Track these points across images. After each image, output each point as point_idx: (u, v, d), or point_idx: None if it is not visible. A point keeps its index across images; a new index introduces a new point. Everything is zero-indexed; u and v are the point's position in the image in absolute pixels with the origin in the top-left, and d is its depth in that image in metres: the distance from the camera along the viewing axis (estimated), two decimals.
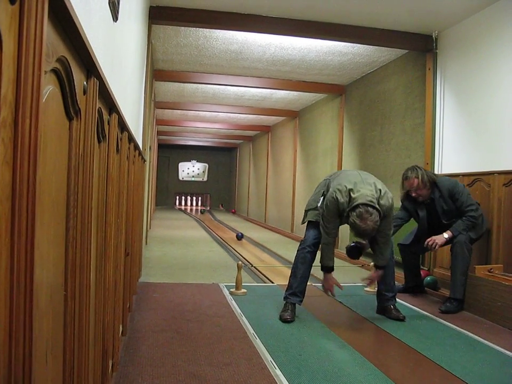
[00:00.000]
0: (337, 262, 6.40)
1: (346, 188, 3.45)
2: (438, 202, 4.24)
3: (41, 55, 0.71)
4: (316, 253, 3.82)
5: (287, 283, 3.85)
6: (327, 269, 3.66)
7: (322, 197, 3.74)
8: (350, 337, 3.30)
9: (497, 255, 4.21)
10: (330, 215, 3.53)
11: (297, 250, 3.85)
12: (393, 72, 6.35)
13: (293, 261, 3.87)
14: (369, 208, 3.29)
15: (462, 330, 3.54)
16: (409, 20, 4.99)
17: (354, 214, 3.31)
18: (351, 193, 3.41)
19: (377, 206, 3.34)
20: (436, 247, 4.16)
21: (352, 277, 5.60)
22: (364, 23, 5.13)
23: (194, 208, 22.06)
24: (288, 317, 3.59)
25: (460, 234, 4.06)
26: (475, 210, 4.09)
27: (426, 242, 4.18)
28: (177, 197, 22.44)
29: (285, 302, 3.76)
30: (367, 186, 3.44)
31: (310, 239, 3.78)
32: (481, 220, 4.16)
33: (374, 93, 6.89)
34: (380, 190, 3.47)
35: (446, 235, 4.13)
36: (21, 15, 0.67)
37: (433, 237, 4.16)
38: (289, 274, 3.86)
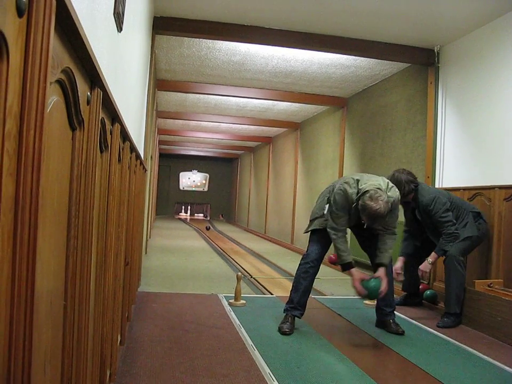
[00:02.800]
0: (337, 274, 6.41)
1: (353, 179, 3.47)
2: (417, 211, 4.33)
3: (47, 67, 0.72)
4: (318, 268, 3.81)
5: (286, 295, 3.85)
6: (348, 265, 3.54)
7: (327, 204, 3.72)
8: (349, 350, 3.29)
9: (498, 269, 4.20)
10: (339, 209, 3.49)
11: (299, 265, 3.82)
12: (395, 85, 6.38)
13: (292, 272, 3.87)
14: (379, 190, 3.28)
15: (461, 345, 3.53)
16: (412, 34, 5.02)
17: (366, 197, 3.26)
18: (359, 184, 3.41)
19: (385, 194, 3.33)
20: (427, 275, 4.30)
21: (352, 289, 5.58)
22: (366, 36, 5.16)
23: (195, 217, 22.04)
24: (287, 330, 3.57)
25: (451, 248, 4.10)
26: (451, 226, 4.09)
27: (419, 273, 4.28)
28: (178, 206, 22.44)
29: (285, 314, 3.75)
30: (374, 178, 3.48)
31: (313, 254, 3.76)
32: (482, 228, 4.20)
33: (376, 105, 6.91)
34: (388, 183, 3.49)
35: (430, 260, 4.21)
36: (28, 27, 0.67)
37: (420, 268, 4.24)
38: (291, 288, 3.83)
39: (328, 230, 3.58)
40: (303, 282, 3.74)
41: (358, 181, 3.46)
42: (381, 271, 3.53)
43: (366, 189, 3.31)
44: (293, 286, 3.82)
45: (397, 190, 3.53)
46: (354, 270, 3.51)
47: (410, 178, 4.21)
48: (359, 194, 3.36)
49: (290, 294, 3.80)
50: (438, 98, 5.28)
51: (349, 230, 3.81)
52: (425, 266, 4.22)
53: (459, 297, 4.04)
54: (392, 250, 3.64)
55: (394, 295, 4.02)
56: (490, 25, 4.53)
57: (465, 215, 4.23)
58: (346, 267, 3.57)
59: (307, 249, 3.84)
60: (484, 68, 4.61)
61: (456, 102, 5.02)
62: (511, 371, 3.00)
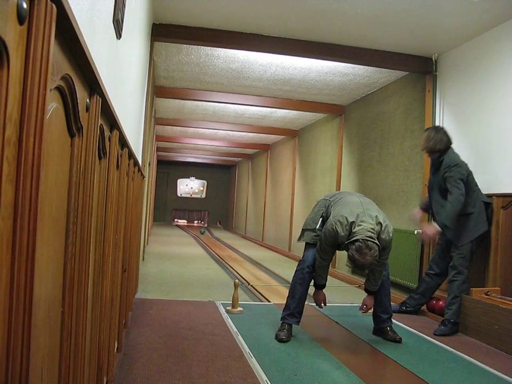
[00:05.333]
0: (334, 282, 6.39)
1: (347, 221, 3.41)
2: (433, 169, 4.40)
3: (47, 74, 0.72)
4: (312, 273, 3.81)
5: (284, 302, 3.83)
6: (320, 286, 3.81)
7: (321, 219, 3.76)
8: (346, 358, 3.28)
9: (495, 277, 4.20)
10: (328, 244, 3.54)
11: (296, 270, 3.82)
12: (393, 93, 6.39)
13: (290, 279, 3.86)
14: (368, 243, 3.27)
15: (458, 353, 3.53)
16: (410, 43, 5.04)
17: (354, 247, 3.29)
18: (352, 227, 3.39)
19: (376, 241, 3.32)
20: (427, 236, 4.34)
21: (348, 297, 5.58)
22: (364, 44, 5.18)
23: (193, 224, 22.02)
24: (284, 337, 3.57)
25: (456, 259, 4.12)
26: (460, 195, 4.10)
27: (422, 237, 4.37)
28: (176, 213, 22.42)
29: (281, 321, 3.74)
30: (369, 220, 3.40)
31: (309, 259, 3.75)
32: (479, 219, 4.20)
33: (374, 113, 6.93)
34: (381, 224, 3.44)
35: (435, 226, 4.28)
36: (28, 35, 0.68)
37: (426, 230, 4.30)
38: (287, 294, 3.83)
39: (316, 253, 3.66)
40: (300, 288, 3.74)
41: (352, 223, 3.40)
42: (367, 299, 3.81)
43: (356, 237, 3.30)
44: (289, 292, 3.81)
45: (390, 230, 3.49)
46: (322, 291, 3.83)
47: (444, 140, 4.29)
48: (350, 238, 3.36)
49: (287, 301, 3.79)
50: (435, 107, 5.29)
51: None
52: (431, 228, 4.26)
53: (456, 305, 4.07)
54: (382, 277, 3.74)
55: (392, 303, 4.02)
56: (488, 34, 4.55)
57: (475, 200, 4.22)
58: (318, 287, 3.83)
59: (303, 254, 3.84)
60: (482, 76, 4.62)
61: (453, 110, 5.04)
62: (509, 379, 3.00)
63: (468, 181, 4.21)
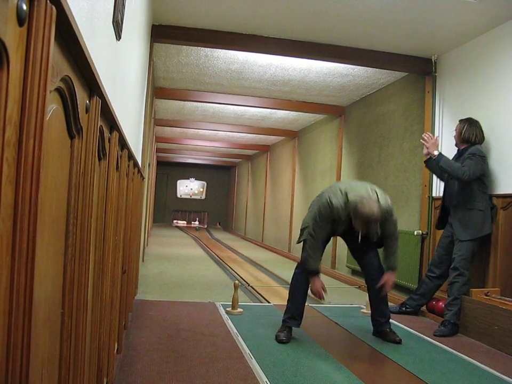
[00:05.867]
0: (334, 283, 6.39)
1: (341, 192, 3.47)
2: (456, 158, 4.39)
3: (47, 75, 0.72)
4: None
5: (284, 303, 3.83)
6: (314, 272, 3.61)
7: None
8: (346, 359, 3.28)
9: (494, 278, 4.20)
10: (322, 219, 3.52)
11: (294, 273, 3.81)
12: (393, 94, 6.40)
13: (290, 280, 3.85)
14: (367, 195, 3.36)
15: (458, 353, 3.52)
16: (409, 43, 5.04)
17: (354, 202, 3.35)
18: (347, 195, 3.43)
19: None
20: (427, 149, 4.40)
21: (349, 298, 5.58)
22: (364, 45, 5.18)
23: (192, 225, 22.02)
24: (284, 338, 3.56)
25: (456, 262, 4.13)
26: (468, 173, 4.09)
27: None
28: (175, 214, 22.42)
29: (282, 323, 3.74)
30: (363, 189, 3.47)
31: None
32: (486, 219, 4.19)
33: (373, 114, 6.93)
34: (376, 192, 3.48)
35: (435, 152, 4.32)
36: (28, 36, 0.68)
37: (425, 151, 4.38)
38: (287, 297, 3.81)
39: (307, 234, 3.60)
40: (299, 291, 3.73)
41: (346, 193, 3.45)
42: (387, 275, 3.66)
43: (354, 199, 3.35)
44: (289, 295, 3.80)
45: (388, 197, 3.54)
46: (318, 278, 3.62)
47: (480, 134, 4.31)
48: (347, 205, 3.40)
49: (288, 303, 3.79)
50: (435, 107, 5.29)
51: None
52: (433, 147, 4.32)
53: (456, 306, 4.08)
54: (398, 250, 3.71)
55: (392, 304, 4.03)
56: (488, 34, 4.56)
57: (484, 199, 4.21)
58: (311, 273, 3.62)
59: (301, 257, 3.79)
60: (481, 77, 4.63)
61: (453, 111, 5.04)
62: (508, 380, 3.00)
63: (484, 177, 4.24)
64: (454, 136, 4.48)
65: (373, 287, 3.75)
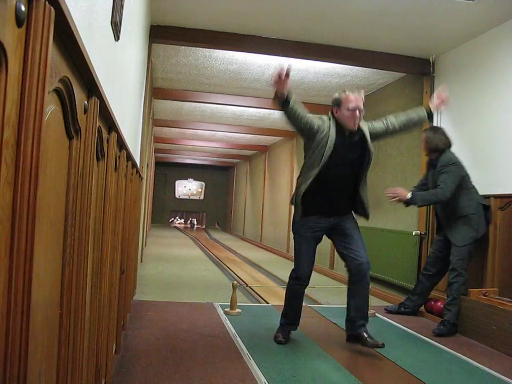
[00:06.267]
0: (332, 284, 6.39)
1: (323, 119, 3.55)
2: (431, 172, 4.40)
3: (45, 76, 0.72)
4: (308, 283, 3.66)
5: (282, 303, 3.80)
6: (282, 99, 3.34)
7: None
8: (344, 359, 3.29)
9: (493, 278, 4.20)
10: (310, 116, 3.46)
11: (290, 278, 3.66)
12: (391, 94, 6.40)
13: (287, 280, 3.82)
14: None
15: (457, 354, 3.53)
16: (407, 44, 5.04)
17: (336, 94, 3.49)
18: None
19: None
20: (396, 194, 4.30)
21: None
22: (362, 46, 5.18)
23: (190, 226, 22.03)
24: (283, 339, 3.56)
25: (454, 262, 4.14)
26: (444, 191, 4.11)
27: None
28: (174, 214, 22.43)
29: (280, 326, 3.72)
30: None
31: (303, 270, 3.57)
32: (479, 221, 4.19)
33: (372, 114, 6.90)
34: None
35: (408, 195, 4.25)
36: (27, 37, 0.68)
37: (398, 192, 4.30)
38: (284, 300, 3.72)
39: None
40: (295, 300, 3.66)
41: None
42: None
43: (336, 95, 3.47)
44: (285, 301, 3.71)
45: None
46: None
47: (443, 140, 4.33)
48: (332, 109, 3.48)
49: (285, 307, 3.71)
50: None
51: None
52: (403, 194, 4.26)
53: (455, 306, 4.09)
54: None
55: (391, 304, 4.02)
56: (485, 35, 4.56)
57: (472, 201, 4.21)
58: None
59: (294, 261, 3.62)
60: (479, 78, 4.63)
61: (451, 111, 5.03)
62: (507, 380, 3.00)
63: (465, 181, 4.22)
64: (423, 148, 4.54)
65: (356, 276, 3.48)
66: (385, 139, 3.85)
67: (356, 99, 3.34)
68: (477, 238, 4.18)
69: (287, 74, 3.22)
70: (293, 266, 3.65)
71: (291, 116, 3.35)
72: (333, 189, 3.45)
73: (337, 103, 3.42)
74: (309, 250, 3.57)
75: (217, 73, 6.45)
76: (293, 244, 3.65)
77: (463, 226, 4.18)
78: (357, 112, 3.34)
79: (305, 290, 3.69)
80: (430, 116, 3.78)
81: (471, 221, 4.17)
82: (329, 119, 3.45)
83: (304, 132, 3.45)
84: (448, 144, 4.33)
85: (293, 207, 3.63)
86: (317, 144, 3.37)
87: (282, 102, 3.29)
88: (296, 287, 3.61)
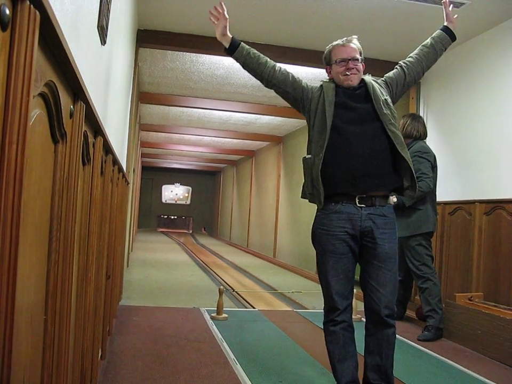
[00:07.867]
0: (318, 288, 6.38)
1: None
2: None
3: (30, 80, 0.72)
4: (352, 325, 2.54)
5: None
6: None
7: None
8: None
9: (478, 283, 4.24)
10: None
11: (325, 328, 2.55)
12: None
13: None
14: None
15: (442, 358, 3.54)
16: (394, 50, 5.07)
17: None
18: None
19: None
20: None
21: None
22: None
23: (177, 230, 21.97)
24: None
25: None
26: (425, 181, 3.98)
27: None
28: (160, 219, 22.36)
29: None
30: None
31: (338, 301, 2.46)
32: (423, 218, 4.12)
33: None
34: None
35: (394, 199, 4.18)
36: (11, 41, 0.67)
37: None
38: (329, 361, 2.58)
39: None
40: (332, 348, 2.50)
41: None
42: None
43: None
44: (329, 359, 2.54)
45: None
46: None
47: (420, 129, 4.25)
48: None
49: (332, 370, 2.54)
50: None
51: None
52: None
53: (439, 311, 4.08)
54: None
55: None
56: (472, 41, 4.61)
57: (426, 197, 4.11)
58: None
59: (322, 291, 2.54)
60: (465, 83, 4.67)
61: (437, 117, 5.08)
62: None
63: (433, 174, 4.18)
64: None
65: (372, 326, 2.57)
66: (422, 73, 3.12)
67: (345, 49, 2.72)
68: (420, 234, 4.10)
69: (221, 7, 2.68)
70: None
71: (250, 61, 2.84)
72: (358, 147, 2.51)
73: (327, 61, 2.77)
74: (339, 268, 2.45)
75: (204, 78, 6.45)
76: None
77: (404, 218, 4.07)
78: (350, 63, 2.68)
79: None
80: (449, 33, 2.94)
81: (414, 215, 4.09)
82: (328, 81, 2.77)
83: (280, 85, 2.88)
84: (423, 135, 4.28)
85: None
86: (315, 107, 2.72)
87: (229, 46, 2.79)
88: (327, 326, 2.51)
